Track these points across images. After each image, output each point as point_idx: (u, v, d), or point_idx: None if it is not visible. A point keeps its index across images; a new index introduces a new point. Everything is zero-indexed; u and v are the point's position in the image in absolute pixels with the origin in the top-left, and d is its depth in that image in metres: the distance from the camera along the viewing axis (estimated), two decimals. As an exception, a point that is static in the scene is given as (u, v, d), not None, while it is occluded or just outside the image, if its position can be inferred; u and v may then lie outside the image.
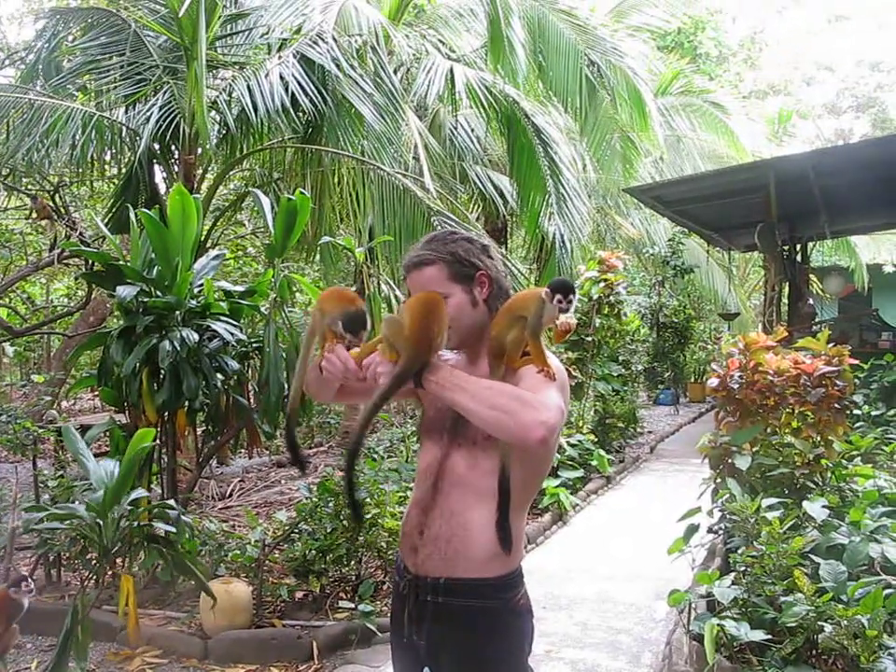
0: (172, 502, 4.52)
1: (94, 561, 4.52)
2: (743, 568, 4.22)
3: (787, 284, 12.55)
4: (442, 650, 2.26)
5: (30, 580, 3.73)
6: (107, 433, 5.46)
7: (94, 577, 4.77)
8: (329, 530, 5.21)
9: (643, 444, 12.69)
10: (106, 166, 8.85)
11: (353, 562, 5.32)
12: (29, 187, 10.62)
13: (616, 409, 11.04)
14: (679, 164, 16.21)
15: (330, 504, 5.22)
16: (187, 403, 5.11)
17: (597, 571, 6.49)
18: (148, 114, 7.12)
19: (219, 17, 7.75)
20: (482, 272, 2.31)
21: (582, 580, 6.26)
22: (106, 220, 7.84)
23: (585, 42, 10.09)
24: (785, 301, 12.90)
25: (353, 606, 4.98)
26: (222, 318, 5.08)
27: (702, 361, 18.87)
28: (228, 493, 8.41)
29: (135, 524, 4.08)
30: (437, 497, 2.24)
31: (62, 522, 3.77)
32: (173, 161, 7.82)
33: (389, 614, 2.55)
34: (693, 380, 19.42)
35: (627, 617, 5.54)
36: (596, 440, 9.84)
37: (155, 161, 7.71)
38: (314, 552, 5.19)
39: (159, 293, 5.05)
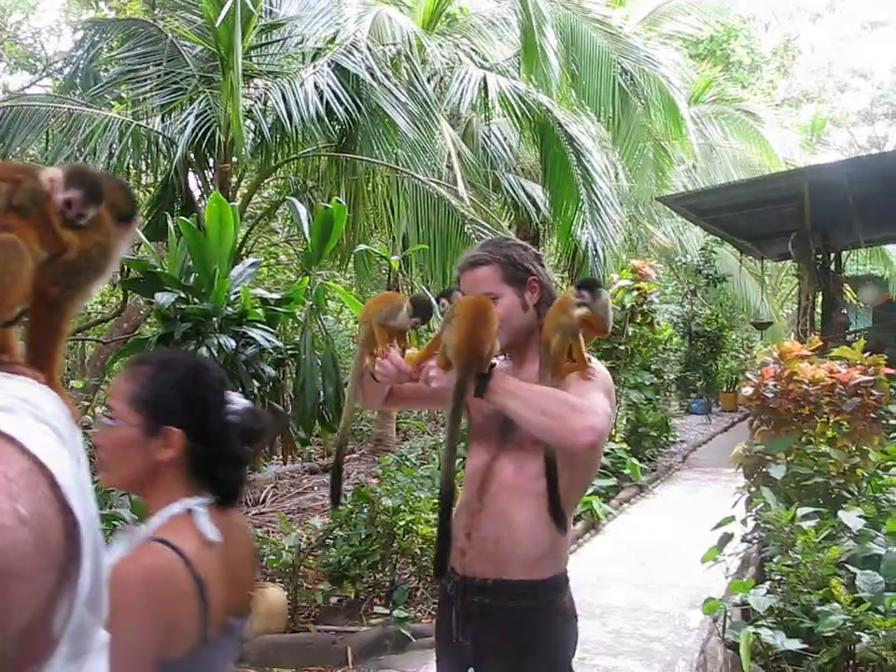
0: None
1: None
2: (778, 577, 4.20)
3: (821, 293, 12.45)
4: (489, 650, 2.29)
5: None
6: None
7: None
8: (363, 536, 5.24)
9: (675, 453, 12.62)
10: (142, 174, 8.96)
11: (387, 568, 5.34)
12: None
13: (648, 418, 11.01)
14: (711, 173, 16.14)
15: (365, 510, 5.25)
16: (223, 409, 5.14)
17: (630, 579, 6.47)
18: (185, 123, 7.21)
19: (255, 27, 7.83)
20: (534, 277, 2.36)
21: (615, 588, 6.25)
22: (143, 228, 7.93)
23: (618, 50, 10.09)
24: (818, 310, 12.80)
25: (387, 611, 5.01)
26: (258, 325, 5.12)
27: (734, 370, 18.74)
28: (261, 498, 8.46)
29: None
30: (484, 500, 2.27)
31: (107, 524, 3.83)
32: (208, 169, 7.91)
33: (435, 616, 2.58)
34: (725, 389, 19.28)
35: (660, 625, 5.53)
36: (629, 448, 9.81)
37: (190, 169, 7.80)
38: (348, 557, 5.23)
39: (196, 300, 5.10)
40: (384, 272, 9.58)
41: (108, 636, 0.81)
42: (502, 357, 2.43)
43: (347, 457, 10.38)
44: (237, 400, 1.74)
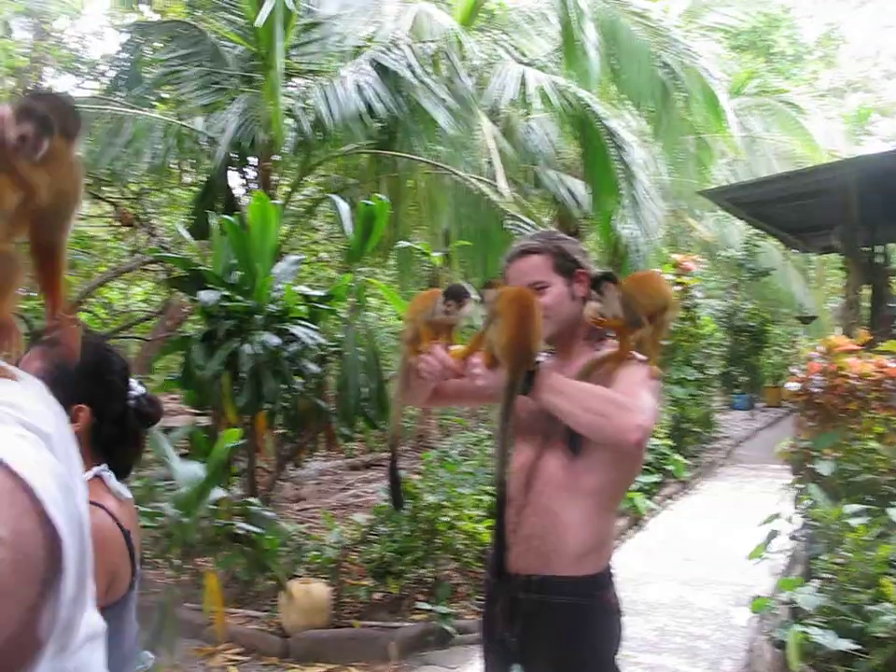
0: (256, 501, 4.61)
1: (177, 559, 4.62)
2: (827, 576, 4.14)
3: (868, 286, 12.26)
4: (533, 647, 2.29)
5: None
6: (188, 435, 5.59)
7: (177, 575, 4.88)
8: (406, 532, 5.25)
9: (719, 449, 12.50)
10: (184, 173, 9.05)
11: (430, 564, 5.35)
12: (110, 195, 10.90)
13: (691, 413, 10.92)
14: (753, 166, 15.95)
15: (408, 506, 5.26)
16: (267, 406, 5.20)
17: (674, 576, 6.43)
18: (226, 122, 7.26)
19: (295, 26, 7.87)
20: (582, 270, 2.36)
21: (659, 584, 6.21)
22: (187, 226, 8.02)
23: (658, 44, 10.00)
24: (866, 304, 12.60)
25: (430, 607, 5.01)
26: (301, 322, 5.16)
27: (778, 365, 18.54)
28: (304, 495, 8.51)
29: (219, 523, 4.18)
30: (529, 496, 2.27)
31: (150, 519, 3.88)
32: (249, 167, 7.97)
33: (478, 612, 2.59)
34: (768, 384, 19.07)
35: (705, 623, 5.48)
36: (672, 444, 9.74)
37: (232, 167, 7.87)
38: (391, 553, 5.24)
39: (239, 298, 5.14)
40: (424, 268, 9.59)
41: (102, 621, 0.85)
42: (546, 354, 2.42)
43: (389, 455, 10.39)
44: (136, 387, 1.91)
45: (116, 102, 8.13)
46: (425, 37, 8.57)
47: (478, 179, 7.57)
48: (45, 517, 0.60)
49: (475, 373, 2.18)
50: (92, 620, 0.81)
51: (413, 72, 7.50)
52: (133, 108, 7.81)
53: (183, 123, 7.67)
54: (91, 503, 1.57)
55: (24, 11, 11.74)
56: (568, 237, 2.50)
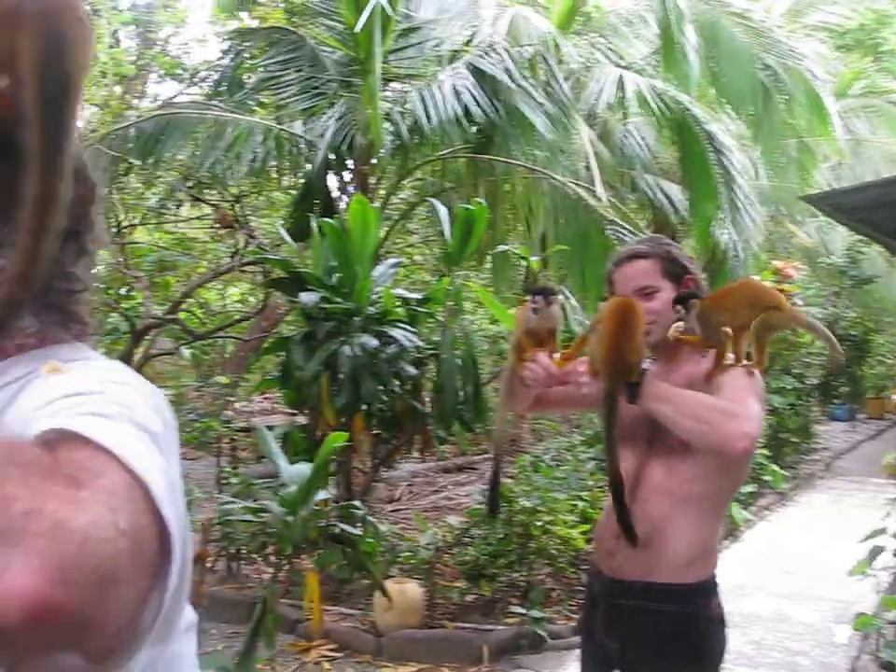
0: (359, 504, 4.68)
1: (276, 556, 4.71)
2: (938, 594, 4.00)
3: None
4: (635, 653, 2.28)
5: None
6: (282, 434, 5.69)
7: (276, 571, 4.97)
8: (500, 536, 5.25)
9: (818, 460, 12.17)
10: (282, 177, 9.22)
11: (523, 568, 5.35)
12: (210, 198, 11.17)
13: (790, 423, 10.66)
14: (858, 170, 15.48)
15: (502, 510, 5.26)
16: (364, 407, 5.26)
17: (771, 589, 6.28)
18: (325, 126, 7.37)
19: (393, 31, 7.95)
20: (690, 276, 2.34)
21: (756, 597, 6.07)
22: (286, 228, 8.17)
23: (760, 45, 9.79)
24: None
25: (523, 611, 5.00)
26: (400, 325, 5.21)
27: (881, 376, 17.95)
28: (397, 496, 8.58)
29: (321, 523, 4.25)
30: (633, 504, 2.26)
31: (255, 515, 3.97)
32: (347, 171, 8.07)
33: (578, 616, 2.59)
34: (871, 395, 18.48)
35: (805, 638, 5.34)
36: (769, 454, 9.52)
37: (330, 171, 7.97)
38: (485, 556, 5.25)
39: (339, 300, 5.21)
40: (519, 273, 9.58)
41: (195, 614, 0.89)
42: (650, 361, 2.40)
43: (481, 458, 10.41)
44: None
45: (217, 107, 8.33)
46: (522, 41, 8.56)
47: (575, 184, 7.52)
48: (158, 513, 0.64)
49: (580, 382, 2.19)
50: (188, 612, 0.85)
51: (510, 76, 7.49)
52: (234, 113, 7.99)
53: (282, 127, 7.82)
54: None
55: (133, 21, 12.15)
56: (675, 243, 2.48)
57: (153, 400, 0.82)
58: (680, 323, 2.22)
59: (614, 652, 2.32)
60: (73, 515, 0.56)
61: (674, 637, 2.22)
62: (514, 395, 2.48)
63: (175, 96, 12.73)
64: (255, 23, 10.98)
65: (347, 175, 8.07)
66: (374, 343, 4.99)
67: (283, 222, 8.82)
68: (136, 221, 10.46)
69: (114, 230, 9.16)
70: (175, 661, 0.84)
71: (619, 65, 9.52)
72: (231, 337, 13.01)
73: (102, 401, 0.74)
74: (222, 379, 7.88)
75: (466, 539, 5.52)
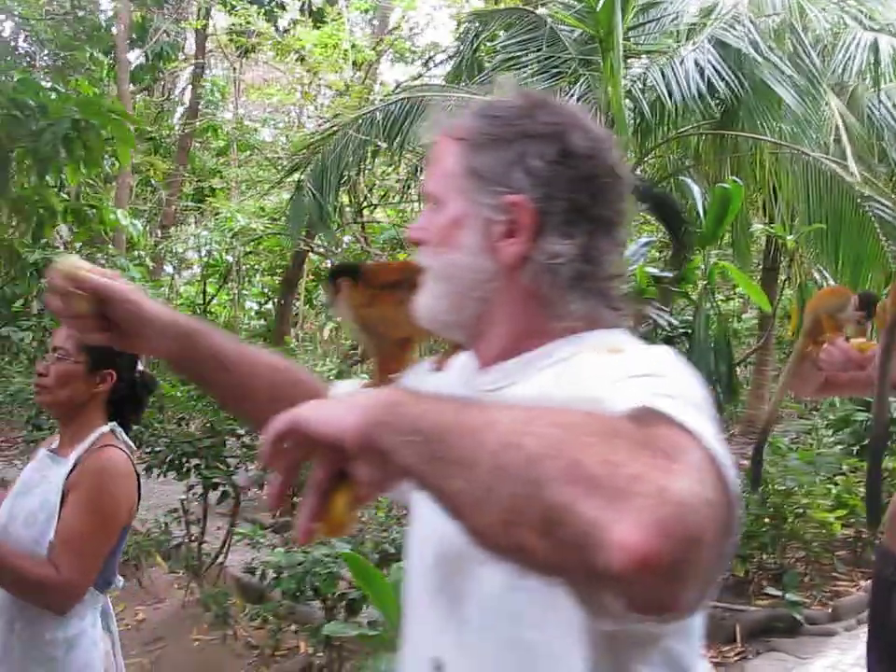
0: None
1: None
2: None
3: None
4: None
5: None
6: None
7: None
8: (752, 516, 5.21)
9: None
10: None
11: (775, 551, 5.28)
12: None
13: None
14: None
15: (759, 490, 5.21)
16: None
17: None
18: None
19: (634, 7, 7.88)
20: None
21: None
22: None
23: None
24: None
25: (777, 594, 4.95)
26: (653, 303, 5.22)
27: None
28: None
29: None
30: None
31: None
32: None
33: (870, 609, 2.54)
34: None
35: None
36: None
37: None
38: (740, 536, 5.22)
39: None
40: (755, 251, 9.30)
41: None
42: None
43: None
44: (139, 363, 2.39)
45: (460, 89, 8.54)
46: (766, 10, 8.29)
47: (827, 158, 7.23)
48: (728, 493, 0.73)
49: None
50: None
51: (756, 48, 7.28)
52: (475, 95, 8.17)
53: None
54: (111, 445, 2.17)
55: (371, 7, 12.57)
56: None
57: (698, 383, 0.92)
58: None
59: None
60: (671, 483, 0.68)
61: None
62: (802, 377, 2.49)
63: (414, 79, 13.15)
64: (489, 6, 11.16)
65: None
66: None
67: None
68: (376, 201, 10.89)
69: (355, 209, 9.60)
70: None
71: (873, 29, 9.02)
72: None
73: (667, 384, 0.86)
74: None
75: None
